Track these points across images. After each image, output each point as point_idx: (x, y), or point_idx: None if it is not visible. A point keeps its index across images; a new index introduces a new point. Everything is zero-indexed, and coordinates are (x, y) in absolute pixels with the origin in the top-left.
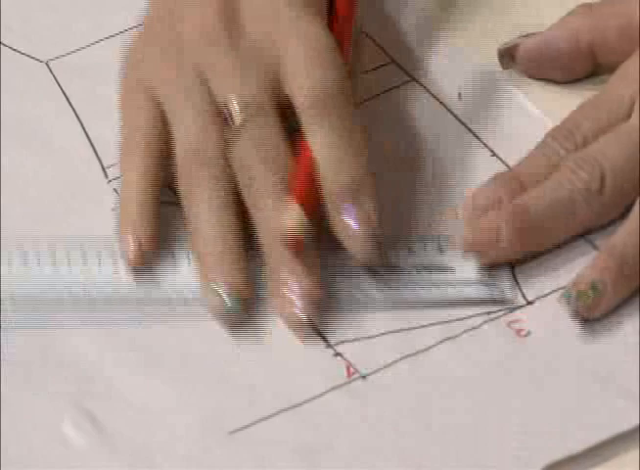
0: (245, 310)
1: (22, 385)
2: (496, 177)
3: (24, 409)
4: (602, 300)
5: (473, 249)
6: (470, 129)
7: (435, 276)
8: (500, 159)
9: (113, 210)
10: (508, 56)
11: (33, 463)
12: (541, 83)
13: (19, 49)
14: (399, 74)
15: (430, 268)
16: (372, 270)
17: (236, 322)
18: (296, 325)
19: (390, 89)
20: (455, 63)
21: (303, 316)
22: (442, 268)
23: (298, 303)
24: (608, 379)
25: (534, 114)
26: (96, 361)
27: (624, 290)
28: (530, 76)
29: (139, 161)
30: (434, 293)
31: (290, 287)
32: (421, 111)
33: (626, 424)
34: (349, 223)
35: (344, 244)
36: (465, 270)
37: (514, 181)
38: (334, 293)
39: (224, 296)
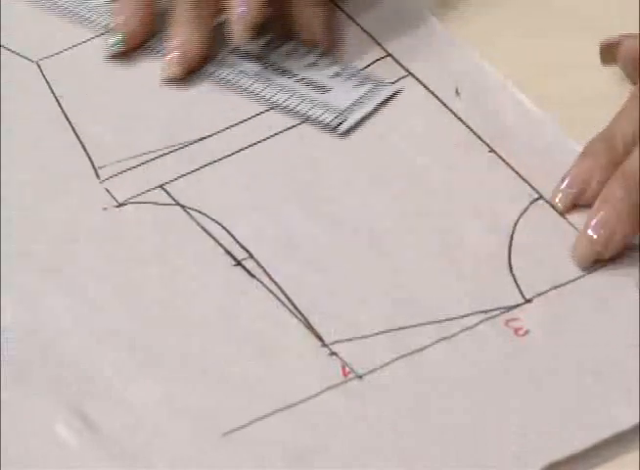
0: (125, 52)
1: (22, 385)
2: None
3: (24, 410)
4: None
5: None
6: (467, 125)
7: (305, 87)
8: (498, 155)
9: (104, 209)
10: (609, 52)
11: (33, 464)
12: (539, 81)
13: (10, 48)
14: (395, 69)
15: (308, 81)
16: (258, 58)
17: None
18: (165, 75)
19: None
20: (453, 58)
21: (173, 67)
22: (319, 86)
23: (172, 52)
24: (608, 379)
25: (532, 110)
26: (95, 361)
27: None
28: (629, 76)
29: None
30: (289, 97)
31: (174, 37)
32: (417, 106)
33: (626, 424)
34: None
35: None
36: (337, 98)
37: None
38: (218, 63)
39: (113, 33)
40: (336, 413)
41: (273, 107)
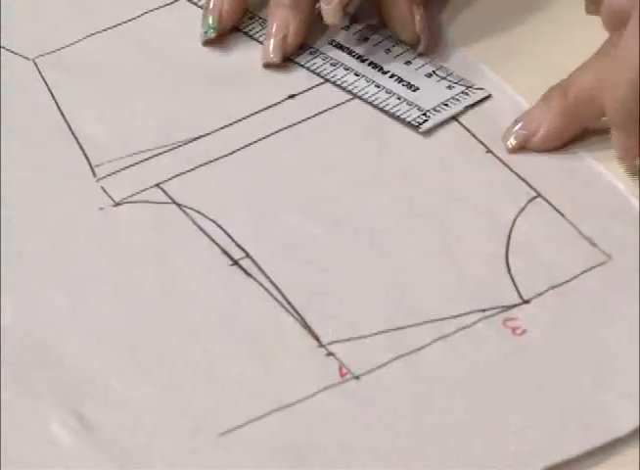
0: (217, 34)
1: (22, 385)
2: None
3: (24, 410)
4: None
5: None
6: (465, 127)
7: (396, 84)
8: (495, 155)
9: (100, 209)
10: (593, 3)
11: (32, 464)
12: (536, 81)
13: (5, 46)
14: None
15: (399, 78)
16: (353, 52)
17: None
18: (264, 61)
19: None
20: (450, 59)
21: (272, 53)
22: (408, 84)
23: (271, 38)
24: (607, 380)
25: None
26: (94, 362)
27: None
28: (609, 30)
29: None
30: (378, 91)
31: (273, 21)
32: None
33: (627, 427)
34: None
35: None
36: (425, 98)
37: None
38: (312, 52)
39: (207, 19)
40: (333, 414)
41: (360, 99)
